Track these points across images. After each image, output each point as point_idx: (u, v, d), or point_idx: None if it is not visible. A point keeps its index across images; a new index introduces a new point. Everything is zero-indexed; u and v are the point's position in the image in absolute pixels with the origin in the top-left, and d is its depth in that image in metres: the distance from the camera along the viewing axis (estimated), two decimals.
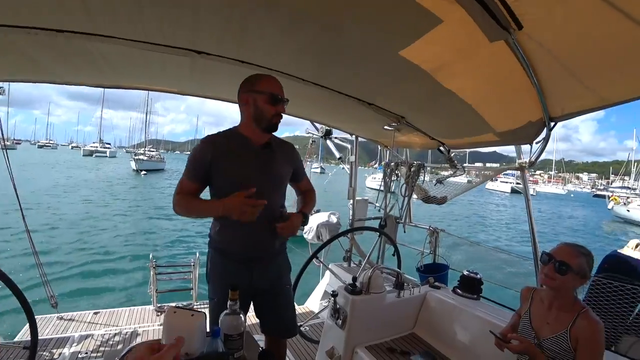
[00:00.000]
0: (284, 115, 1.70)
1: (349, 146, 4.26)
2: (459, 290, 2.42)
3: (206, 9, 1.44)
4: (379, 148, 3.98)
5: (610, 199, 37.91)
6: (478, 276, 2.42)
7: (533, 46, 1.44)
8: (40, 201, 16.62)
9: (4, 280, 1.79)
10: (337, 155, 4.39)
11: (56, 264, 8.09)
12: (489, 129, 2.31)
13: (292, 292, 1.91)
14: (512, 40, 1.38)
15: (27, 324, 1.86)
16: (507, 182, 68.88)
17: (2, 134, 2.98)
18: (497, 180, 73.07)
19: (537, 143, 2.22)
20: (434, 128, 2.77)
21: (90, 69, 2.20)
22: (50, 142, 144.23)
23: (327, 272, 3.65)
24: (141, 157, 41.42)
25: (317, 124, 4.12)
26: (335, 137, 4.31)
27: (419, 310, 2.38)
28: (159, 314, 3.62)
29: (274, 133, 1.72)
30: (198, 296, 3.98)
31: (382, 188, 3.42)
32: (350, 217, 3.98)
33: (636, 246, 2.55)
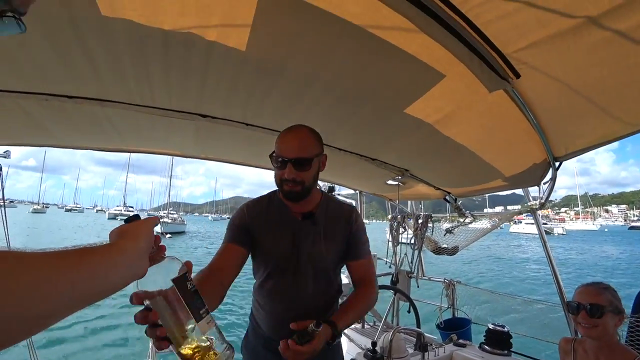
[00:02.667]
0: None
1: (353, 202, 4.24)
2: (486, 347, 2.23)
3: (214, 77, 1.51)
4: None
5: None
6: (505, 329, 2.26)
7: (531, 93, 1.50)
8: None
9: None
10: None
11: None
12: (494, 175, 2.32)
13: None
14: (510, 89, 1.44)
15: None
16: (533, 224, 68.27)
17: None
18: (521, 222, 71.76)
19: (544, 184, 2.22)
20: (438, 178, 2.78)
21: (96, 133, 2.24)
22: (77, 205, 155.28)
23: (342, 337, 3.41)
24: (165, 219, 41.57)
25: (319, 182, 4.14)
26: (339, 194, 4.31)
27: None
28: None
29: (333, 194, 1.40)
30: None
31: (390, 242, 3.34)
32: None
33: None
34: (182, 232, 43.06)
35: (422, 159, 2.48)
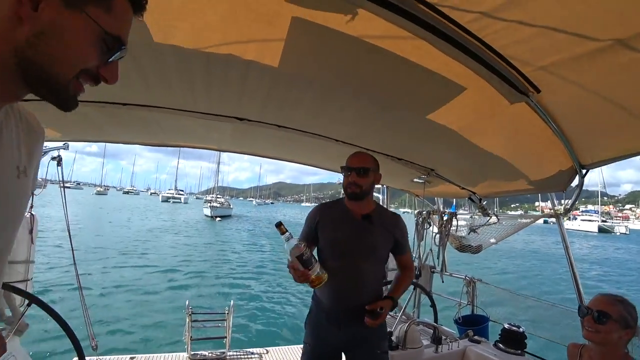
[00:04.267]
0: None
1: (380, 196, 4.31)
2: (500, 345, 2.31)
3: (250, 88, 1.67)
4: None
5: None
6: (521, 329, 2.32)
7: (553, 106, 1.53)
8: (144, 242, 17.92)
9: (61, 324, 2.04)
10: None
11: (103, 306, 8.36)
12: (519, 178, 2.33)
13: (387, 358, 1.80)
14: (532, 102, 1.48)
15: None
16: (591, 220, 63.48)
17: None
18: (576, 219, 67.50)
19: (571, 190, 2.22)
20: (463, 179, 2.81)
21: (145, 132, 2.53)
22: (133, 188, 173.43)
23: None
24: (215, 203, 44.26)
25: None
26: None
27: None
28: None
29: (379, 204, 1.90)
30: (231, 345, 3.98)
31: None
32: None
33: None
34: (229, 216, 45.09)
35: (448, 161, 2.53)
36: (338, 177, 4.44)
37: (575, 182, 2.17)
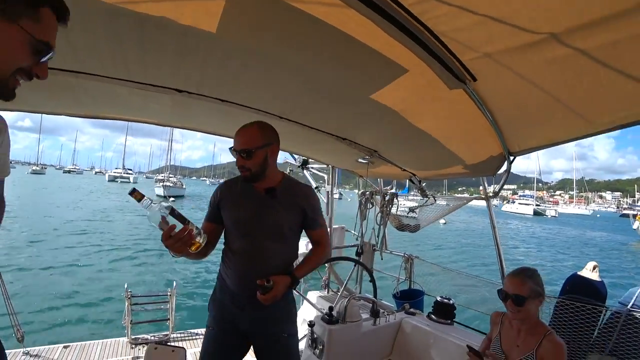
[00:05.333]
0: None
1: (325, 176, 4.37)
2: (433, 316, 2.51)
3: (187, 57, 1.55)
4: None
5: (637, 218, 36.99)
6: (451, 302, 2.52)
7: (488, 94, 1.63)
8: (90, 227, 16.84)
9: None
10: (314, 184, 4.50)
11: (24, 294, 7.67)
12: (455, 162, 2.48)
13: (296, 341, 1.74)
14: (468, 90, 1.55)
15: None
16: (527, 204, 67.76)
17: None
18: (514, 202, 72.54)
19: (499, 175, 2.41)
20: (405, 161, 2.92)
21: (73, 102, 2.26)
22: (76, 167, 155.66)
23: (305, 302, 3.66)
24: (167, 183, 42.50)
25: (295, 155, 4.24)
26: (312, 167, 4.43)
27: (394, 336, 2.44)
28: (134, 346, 3.50)
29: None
30: (175, 327, 3.88)
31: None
32: None
33: (593, 268, 2.74)
34: (182, 196, 43.91)
35: (390, 143, 2.60)
36: (285, 156, 4.41)
37: (504, 167, 2.36)
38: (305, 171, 4.46)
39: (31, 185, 45.51)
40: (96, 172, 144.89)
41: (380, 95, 1.76)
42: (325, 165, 4.11)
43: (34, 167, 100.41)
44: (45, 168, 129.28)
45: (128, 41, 1.43)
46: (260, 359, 1.68)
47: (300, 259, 1.74)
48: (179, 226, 1.24)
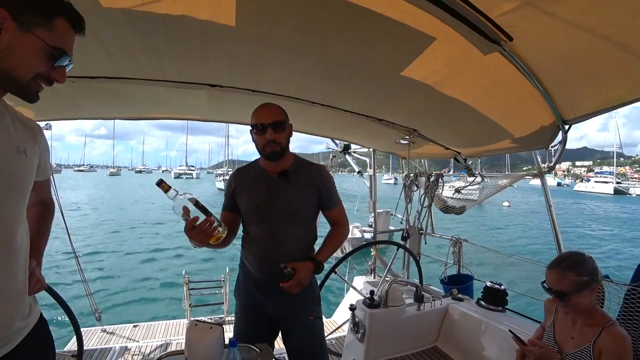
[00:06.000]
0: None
1: (367, 159, 4.29)
2: (482, 302, 2.36)
3: (212, 49, 1.59)
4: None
5: None
6: (502, 287, 2.35)
7: (529, 54, 1.45)
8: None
9: (55, 296, 2.08)
10: (357, 169, 4.44)
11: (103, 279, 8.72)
12: (502, 136, 2.28)
13: (321, 324, 1.73)
14: (506, 51, 1.40)
15: (74, 336, 2.09)
16: (606, 182, 60.21)
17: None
18: (589, 180, 64.85)
19: (553, 147, 2.16)
20: (447, 138, 2.76)
21: (121, 105, 2.47)
22: (145, 167, 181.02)
23: (351, 289, 3.67)
24: (227, 177, 45.38)
25: (336, 140, 4.21)
26: (354, 152, 4.37)
27: (441, 323, 2.35)
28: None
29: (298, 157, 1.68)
30: (229, 309, 4.12)
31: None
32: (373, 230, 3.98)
33: None
34: None
35: (429, 120, 2.46)
36: (327, 142, 4.36)
37: (559, 138, 2.11)
38: (347, 156, 4.41)
39: (111, 185, 51.13)
40: (163, 171, 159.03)
41: (410, 70, 1.66)
42: (367, 149, 4.03)
43: (111, 170, 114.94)
44: (120, 170, 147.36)
45: (158, 44, 1.52)
46: (287, 342, 1.67)
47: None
48: (202, 218, 1.27)
